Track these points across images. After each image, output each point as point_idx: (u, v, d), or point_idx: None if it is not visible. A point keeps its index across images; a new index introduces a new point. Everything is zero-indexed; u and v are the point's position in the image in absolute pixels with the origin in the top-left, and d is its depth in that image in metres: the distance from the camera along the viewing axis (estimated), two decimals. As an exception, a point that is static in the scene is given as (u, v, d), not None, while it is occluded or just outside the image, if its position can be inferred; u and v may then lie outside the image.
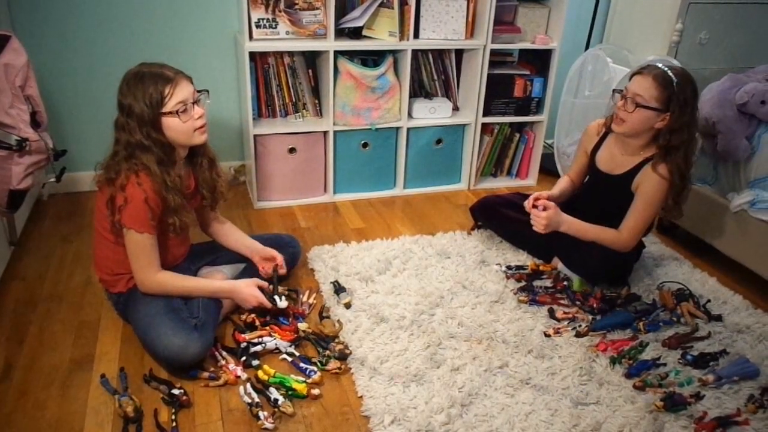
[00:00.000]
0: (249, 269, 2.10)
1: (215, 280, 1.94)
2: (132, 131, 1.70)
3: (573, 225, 2.18)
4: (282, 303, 1.93)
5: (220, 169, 2.01)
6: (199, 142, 1.83)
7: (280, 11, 2.57)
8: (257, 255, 2.07)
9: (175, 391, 1.66)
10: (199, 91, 1.81)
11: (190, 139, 1.81)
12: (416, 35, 2.78)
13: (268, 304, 1.91)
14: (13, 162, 1.94)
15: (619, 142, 2.21)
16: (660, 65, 2.05)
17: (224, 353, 1.83)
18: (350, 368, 1.81)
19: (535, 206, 2.18)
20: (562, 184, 2.43)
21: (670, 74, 2.00)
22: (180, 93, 1.72)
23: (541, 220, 2.15)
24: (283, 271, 2.05)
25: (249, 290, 1.90)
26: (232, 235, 2.12)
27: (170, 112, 1.72)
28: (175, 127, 1.75)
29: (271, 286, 1.96)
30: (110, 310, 2.00)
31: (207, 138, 1.86)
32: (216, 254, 2.11)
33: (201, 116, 1.79)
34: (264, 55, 2.70)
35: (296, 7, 2.59)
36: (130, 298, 1.87)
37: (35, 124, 2.00)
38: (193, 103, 1.78)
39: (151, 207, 1.72)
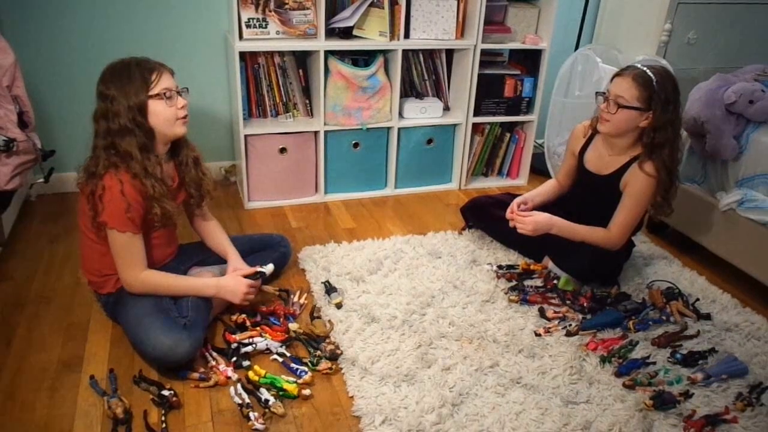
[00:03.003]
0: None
1: (202, 278, 1.93)
2: (116, 116, 1.70)
3: (562, 226, 2.19)
4: (268, 267, 1.92)
5: (206, 167, 2.01)
6: (180, 132, 1.84)
7: (270, 11, 2.57)
8: (231, 267, 2.02)
9: (165, 392, 1.65)
10: (182, 89, 1.82)
11: (172, 128, 1.81)
12: (407, 35, 2.78)
13: (258, 283, 1.91)
14: (1, 162, 1.93)
15: (606, 142, 2.23)
16: (639, 65, 2.07)
17: (215, 354, 1.82)
18: (341, 368, 1.81)
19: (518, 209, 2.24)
20: (545, 187, 2.46)
21: (649, 73, 2.03)
22: (164, 81, 1.76)
23: (527, 225, 2.17)
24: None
25: (235, 281, 1.90)
26: (214, 234, 2.10)
27: (157, 95, 1.74)
28: (160, 113, 1.76)
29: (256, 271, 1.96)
30: (99, 311, 1.99)
31: (187, 131, 1.87)
32: (205, 254, 2.11)
33: (184, 106, 1.81)
34: (254, 54, 2.69)
35: (286, 6, 2.59)
36: (119, 299, 1.86)
37: (23, 124, 1.99)
38: (177, 93, 1.80)
39: (128, 201, 1.71)
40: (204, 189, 2.00)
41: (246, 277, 1.93)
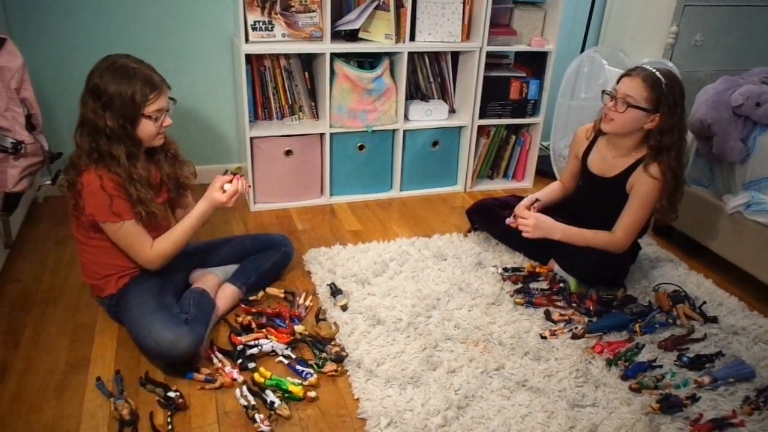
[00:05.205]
0: (241, 270, 2.13)
1: (195, 209, 1.90)
2: (104, 118, 1.71)
3: (566, 232, 2.19)
4: (227, 183, 1.89)
5: (185, 161, 2.00)
6: (156, 144, 1.86)
7: (276, 14, 2.57)
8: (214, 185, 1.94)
9: (171, 394, 1.66)
10: (170, 98, 1.83)
11: (150, 141, 1.83)
12: (412, 37, 2.78)
13: (232, 188, 1.88)
14: (9, 165, 1.94)
15: (610, 144, 2.22)
16: (648, 67, 2.07)
17: (220, 356, 1.83)
18: (347, 370, 1.81)
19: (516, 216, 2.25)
20: (550, 189, 2.47)
21: (659, 75, 2.03)
22: (160, 101, 1.77)
23: (529, 222, 2.18)
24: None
25: (211, 195, 1.87)
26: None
27: (148, 116, 1.75)
28: (145, 129, 1.78)
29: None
30: (106, 313, 1.99)
31: (163, 140, 1.88)
32: (206, 255, 2.14)
33: (167, 125, 1.83)
34: (260, 57, 2.69)
35: (292, 9, 2.59)
36: (121, 299, 1.88)
37: (31, 126, 2.00)
38: (166, 111, 1.82)
39: (110, 195, 1.73)
40: (181, 183, 2.01)
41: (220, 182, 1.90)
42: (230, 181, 1.90)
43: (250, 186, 1.93)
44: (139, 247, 1.83)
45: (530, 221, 2.19)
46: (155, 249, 1.85)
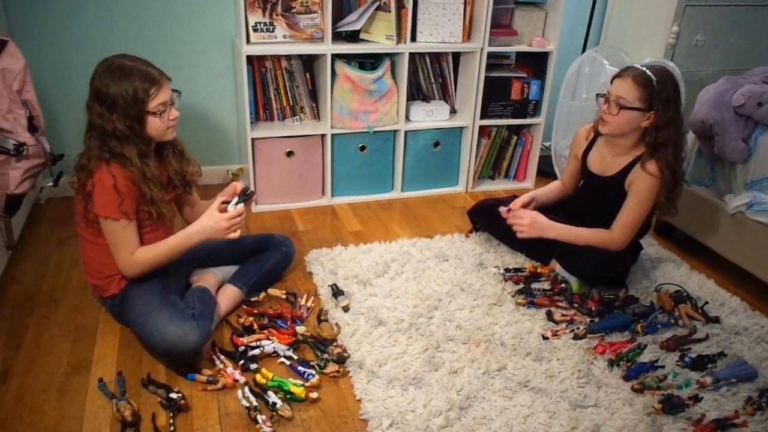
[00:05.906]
0: (242, 270, 2.14)
1: (185, 230, 1.87)
2: (112, 121, 1.71)
3: (562, 231, 2.19)
4: (231, 207, 1.86)
5: (191, 158, 2.00)
6: (168, 138, 1.87)
7: (277, 15, 2.58)
8: (221, 197, 1.93)
9: (173, 395, 1.66)
10: (174, 90, 1.83)
11: (162, 136, 1.83)
12: (413, 38, 2.79)
13: (234, 215, 1.85)
14: (11, 166, 1.94)
15: (608, 143, 2.23)
16: (638, 66, 2.07)
17: (222, 357, 1.83)
18: (348, 371, 1.81)
19: (511, 210, 2.25)
20: (550, 187, 2.47)
21: (649, 73, 2.03)
22: (162, 95, 1.76)
23: (524, 220, 2.18)
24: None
25: (212, 218, 1.84)
26: (199, 206, 2.09)
27: (152, 112, 1.75)
28: (153, 125, 1.78)
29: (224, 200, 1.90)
30: (108, 314, 2.00)
31: (174, 134, 1.88)
32: (207, 256, 2.13)
33: (175, 118, 1.83)
34: (261, 58, 2.70)
35: (293, 10, 2.60)
36: (124, 298, 1.88)
37: (32, 128, 2.00)
38: (171, 103, 1.81)
39: (120, 193, 1.73)
40: (188, 180, 2.00)
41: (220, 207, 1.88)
42: (227, 202, 1.88)
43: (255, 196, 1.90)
44: (123, 250, 1.80)
45: (525, 220, 2.19)
46: (135, 256, 1.81)
